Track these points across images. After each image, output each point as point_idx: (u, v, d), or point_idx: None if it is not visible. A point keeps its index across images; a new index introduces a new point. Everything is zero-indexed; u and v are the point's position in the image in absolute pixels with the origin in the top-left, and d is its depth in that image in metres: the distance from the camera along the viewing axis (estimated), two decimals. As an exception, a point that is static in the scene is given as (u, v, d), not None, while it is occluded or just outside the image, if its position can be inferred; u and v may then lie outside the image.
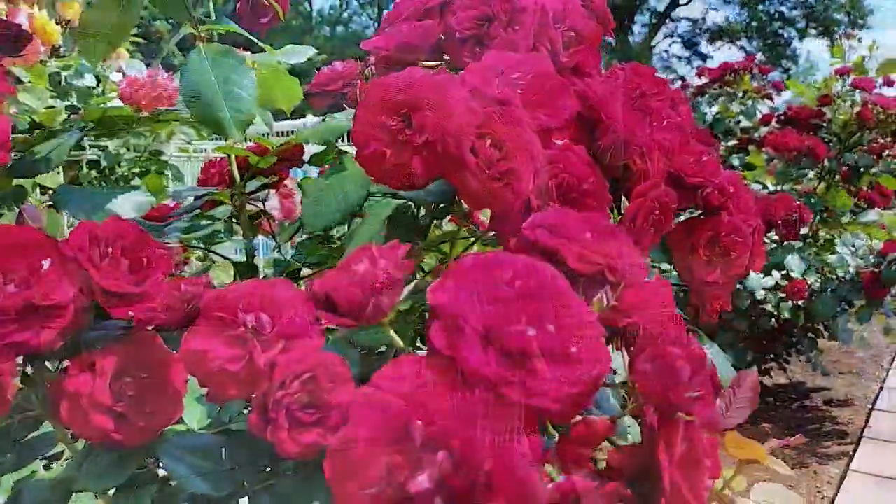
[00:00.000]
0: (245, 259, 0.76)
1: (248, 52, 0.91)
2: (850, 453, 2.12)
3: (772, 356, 2.60)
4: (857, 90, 2.43)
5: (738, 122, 3.04)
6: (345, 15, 18.96)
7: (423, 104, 0.40)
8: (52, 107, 1.52)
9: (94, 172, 1.72)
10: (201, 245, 0.81)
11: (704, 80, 3.33)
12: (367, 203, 0.50)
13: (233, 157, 0.79)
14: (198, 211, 0.80)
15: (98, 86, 1.79)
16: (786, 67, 18.00)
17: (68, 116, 1.72)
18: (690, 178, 0.52)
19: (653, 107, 0.52)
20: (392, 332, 0.32)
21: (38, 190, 1.42)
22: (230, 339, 0.37)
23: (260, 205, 0.85)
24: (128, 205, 0.55)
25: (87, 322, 0.43)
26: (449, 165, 0.39)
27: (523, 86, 0.42)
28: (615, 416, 0.29)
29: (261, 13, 0.73)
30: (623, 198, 0.48)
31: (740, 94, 3.13)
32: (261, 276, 0.76)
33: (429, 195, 0.47)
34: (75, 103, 1.67)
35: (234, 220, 0.83)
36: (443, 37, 0.48)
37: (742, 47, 18.67)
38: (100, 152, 1.70)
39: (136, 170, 1.77)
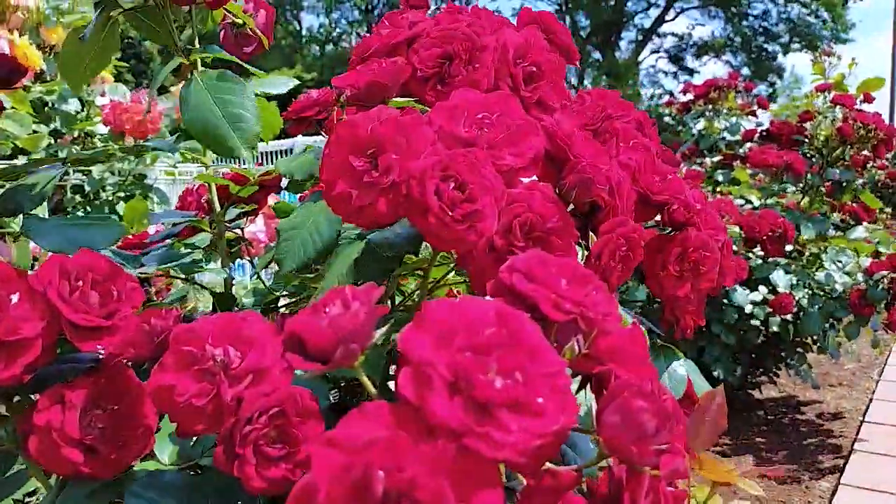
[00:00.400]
0: (224, 288, 0.76)
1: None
2: (842, 466, 2.12)
3: (761, 370, 2.61)
4: (838, 106, 2.47)
5: (723, 138, 3.07)
6: (334, 34, 19.08)
7: (389, 146, 0.39)
8: (36, 132, 1.51)
9: (78, 197, 1.71)
10: (181, 274, 0.80)
11: (690, 96, 3.37)
12: (340, 242, 0.50)
13: (213, 185, 0.79)
14: (175, 239, 0.79)
15: (83, 110, 1.79)
16: (771, 81, 18.24)
17: (54, 141, 1.72)
18: (656, 195, 0.54)
19: (619, 128, 0.52)
20: (364, 376, 0.31)
21: (21, 216, 1.41)
22: (198, 373, 0.36)
23: (239, 231, 0.84)
24: (100, 237, 0.54)
25: (55, 355, 0.42)
26: (412, 208, 0.38)
27: (489, 125, 0.42)
28: (585, 466, 0.29)
29: (244, 42, 0.73)
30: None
31: (724, 111, 3.16)
32: (239, 304, 0.75)
33: (398, 237, 0.46)
34: (59, 128, 1.67)
35: (214, 248, 0.83)
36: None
37: (728, 62, 18.93)
38: (83, 177, 1.69)
39: (121, 194, 1.76)
